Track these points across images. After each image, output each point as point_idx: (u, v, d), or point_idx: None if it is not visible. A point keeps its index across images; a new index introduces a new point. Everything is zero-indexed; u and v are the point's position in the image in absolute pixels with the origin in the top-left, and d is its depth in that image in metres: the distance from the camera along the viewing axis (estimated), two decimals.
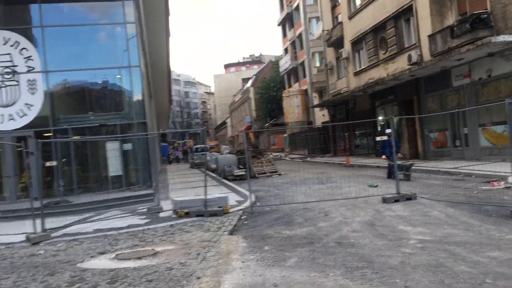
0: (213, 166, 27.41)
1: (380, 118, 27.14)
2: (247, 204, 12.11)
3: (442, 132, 20.73)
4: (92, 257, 7.47)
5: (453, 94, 19.78)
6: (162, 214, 11.28)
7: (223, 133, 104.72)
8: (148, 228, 9.59)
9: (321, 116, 42.51)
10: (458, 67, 18.86)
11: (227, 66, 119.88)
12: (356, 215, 9.42)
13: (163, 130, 61.55)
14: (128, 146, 16.37)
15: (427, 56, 19.95)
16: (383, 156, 16.20)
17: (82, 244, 8.66)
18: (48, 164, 10.98)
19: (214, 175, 25.15)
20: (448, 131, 20.24)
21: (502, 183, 11.85)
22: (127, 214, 11.43)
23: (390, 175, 15.17)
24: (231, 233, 8.63)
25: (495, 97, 17.11)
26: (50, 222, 10.21)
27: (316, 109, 44.31)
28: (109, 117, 16.32)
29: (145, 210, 11.94)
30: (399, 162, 13.64)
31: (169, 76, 36.75)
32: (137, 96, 16.74)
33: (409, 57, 20.88)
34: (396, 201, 10.56)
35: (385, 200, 10.61)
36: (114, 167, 16.05)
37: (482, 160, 17.64)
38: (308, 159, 34.51)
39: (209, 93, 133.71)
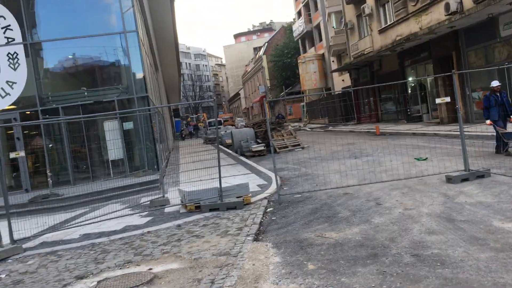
0: (228, 141, 25.26)
1: (410, 79, 24.45)
2: (272, 189, 9.89)
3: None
4: (65, 286, 5.34)
5: (501, 46, 17.00)
6: (167, 209, 9.10)
7: (236, 105, 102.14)
8: (148, 232, 7.41)
9: (340, 82, 39.72)
10: (507, 14, 16.06)
11: (237, 36, 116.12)
12: (419, 203, 7.11)
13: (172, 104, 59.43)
14: (129, 125, 14.20)
15: (468, 2, 17.12)
16: (488, 121, 10.93)
17: (60, 260, 6.53)
18: (13, 155, 8.79)
19: (229, 151, 22.99)
20: None
21: None
22: (125, 211, 9.25)
23: (500, 147, 10.78)
24: (257, 237, 6.42)
25: None
26: (33, 225, 8.14)
27: (335, 75, 41.47)
28: (105, 92, 14.11)
29: (148, 203, 9.79)
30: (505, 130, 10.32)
31: (177, 47, 34.21)
32: (137, 67, 14.42)
33: (447, 6, 18.05)
34: (465, 180, 8.20)
35: (450, 180, 8.26)
36: (115, 150, 13.90)
37: None
38: (330, 128, 32.04)
39: (221, 65, 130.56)
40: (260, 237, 6.43)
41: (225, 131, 31.14)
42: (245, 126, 25.45)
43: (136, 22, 14.09)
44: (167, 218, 8.26)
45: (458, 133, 16.40)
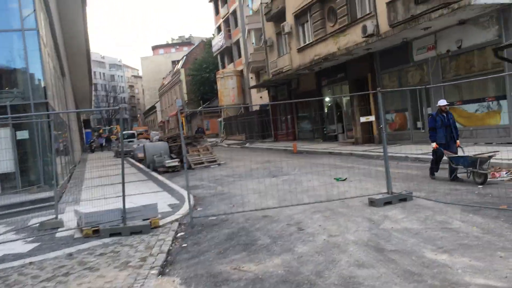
0: (141, 155, 23.77)
1: (327, 99, 24.74)
2: (184, 210, 8.93)
3: (401, 112, 18.53)
4: None
5: (414, 70, 17.56)
6: (60, 233, 7.78)
7: (152, 118, 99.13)
8: (30, 263, 6.13)
9: (258, 99, 39.64)
10: (421, 39, 16.60)
11: (155, 48, 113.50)
12: (344, 228, 6.57)
13: (83, 115, 56.17)
14: (23, 134, 12.50)
15: (384, 26, 17.53)
16: (434, 145, 9.90)
17: None
18: None
19: (141, 166, 21.59)
20: (408, 111, 18.05)
21: (504, 172, 9.53)
22: (7, 236, 7.75)
23: (433, 171, 10.23)
24: (163, 270, 5.45)
25: (466, 72, 15.03)
26: None
27: (253, 91, 41.41)
28: None
29: (37, 225, 8.38)
30: (464, 154, 9.46)
31: (88, 54, 31.97)
32: (36, 70, 12.82)
33: (364, 28, 18.39)
34: (388, 203, 7.85)
35: (373, 203, 7.86)
36: (5, 162, 12.13)
37: None
38: (247, 145, 31.61)
39: (137, 77, 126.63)
40: (167, 270, 5.48)
41: (138, 145, 29.52)
42: (159, 140, 24.12)
43: (37, 20, 12.55)
44: (57, 245, 6.98)
45: (373, 153, 16.69)
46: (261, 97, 38.52)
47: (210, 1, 54.05)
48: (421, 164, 12.76)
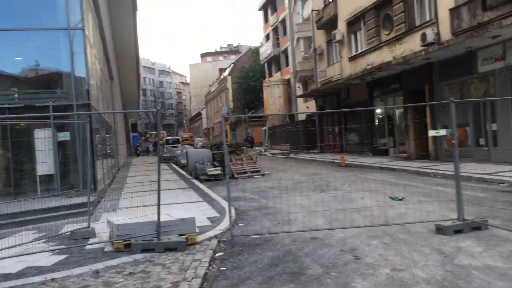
0: (184, 161, 23.36)
1: (378, 111, 23.51)
2: (224, 225, 8.17)
3: (461, 128, 17.08)
4: None
5: (478, 82, 16.16)
6: (90, 245, 7.16)
7: (198, 124, 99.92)
8: (52, 279, 5.50)
9: (305, 109, 38.67)
10: (487, 48, 15.25)
11: (203, 56, 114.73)
12: (410, 261, 5.57)
13: (131, 119, 56.99)
14: (64, 136, 12.16)
15: (446, 34, 16.29)
16: None
17: None
18: None
19: (183, 172, 21.12)
20: (470, 126, 16.60)
21: None
22: (33, 245, 7.18)
23: None
24: None
25: None
26: None
27: (300, 101, 40.49)
28: (39, 96, 12.10)
29: (68, 233, 7.83)
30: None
31: (137, 58, 32.20)
32: (80, 70, 12.49)
33: (423, 36, 17.17)
34: (458, 231, 6.76)
35: (441, 230, 6.79)
36: (45, 164, 11.80)
37: None
38: (292, 155, 30.68)
39: (185, 83, 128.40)
40: None
41: (182, 150, 29.23)
42: (202, 147, 23.64)
43: (83, 19, 12.24)
44: (85, 259, 6.35)
45: (429, 170, 15.38)
46: (307, 107, 37.56)
47: (260, 10, 53.72)
48: (487, 186, 11.47)
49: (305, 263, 5.78)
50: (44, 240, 7.71)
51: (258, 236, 7.38)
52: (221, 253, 6.52)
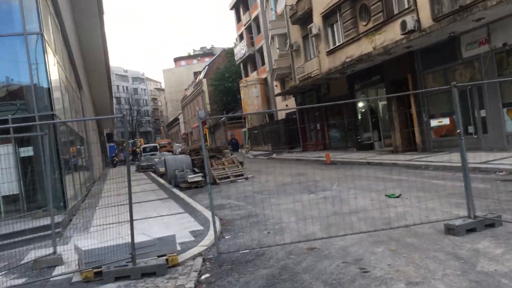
0: (162, 169, 22.41)
1: (361, 104, 22.92)
2: (209, 239, 7.31)
3: (450, 116, 16.53)
4: None
5: (463, 68, 15.63)
6: (55, 277, 6.20)
7: (175, 130, 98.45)
8: None
9: (284, 107, 37.98)
10: (471, 33, 14.74)
11: (177, 60, 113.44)
12: (425, 271, 4.82)
13: (106, 129, 55.46)
14: (27, 151, 11.12)
15: (427, 20, 15.70)
16: None
17: None
18: None
19: (163, 181, 20.16)
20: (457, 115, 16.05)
21: None
22: None
23: None
24: None
25: None
26: None
27: (278, 100, 39.81)
28: None
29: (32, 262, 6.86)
30: None
31: (108, 65, 31.00)
32: (41, 79, 11.45)
33: (403, 24, 16.57)
34: (471, 230, 6.06)
35: (451, 230, 6.07)
36: (8, 183, 10.72)
37: (509, 150, 13.64)
38: (274, 155, 29.93)
39: (160, 89, 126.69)
40: None
41: (159, 158, 28.20)
42: (181, 153, 22.67)
43: (41, 22, 11.21)
44: None
45: (420, 163, 14.77)
46: (286, 105, 36.87)
47: (231, 9, 52.87)
48: (485, 175, 10.86)
49: (306, 281, 4.98)
50: (4, 272, 6.72)
51: (248, 250, 6.54)
52: (207, 275, 5.67)
